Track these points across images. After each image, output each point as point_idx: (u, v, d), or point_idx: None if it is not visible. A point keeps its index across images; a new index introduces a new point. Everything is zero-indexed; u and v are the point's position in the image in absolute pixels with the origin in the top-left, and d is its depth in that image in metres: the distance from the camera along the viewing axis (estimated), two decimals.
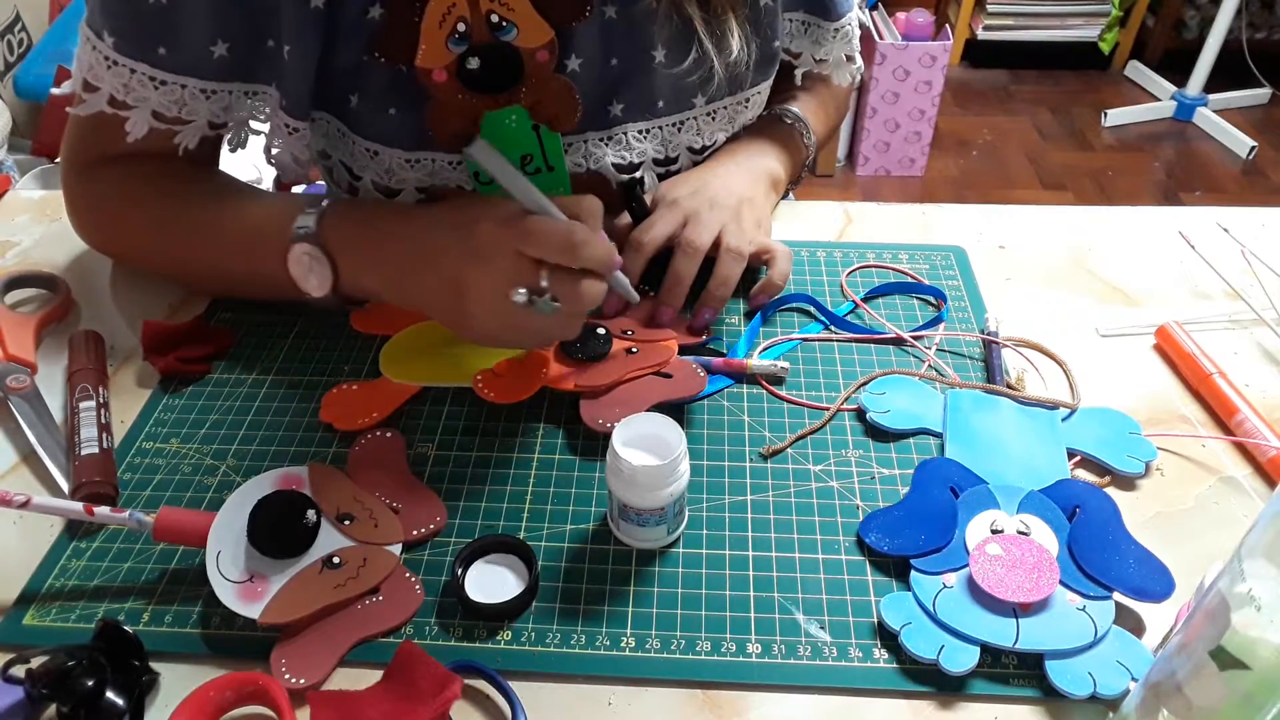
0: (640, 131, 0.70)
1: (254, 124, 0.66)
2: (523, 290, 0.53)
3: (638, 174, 0.72)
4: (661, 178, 0.73)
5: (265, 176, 1.43)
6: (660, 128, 0.70)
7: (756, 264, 0.68)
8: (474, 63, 0.61)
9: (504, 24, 0.60)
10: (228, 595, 0.48)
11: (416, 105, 0.63)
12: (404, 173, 0.67)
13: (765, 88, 0.74)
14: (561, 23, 0.61)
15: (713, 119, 0.71)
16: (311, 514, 0.51)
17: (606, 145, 0.70)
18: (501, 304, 0.53)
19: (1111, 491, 0.55)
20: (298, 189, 0.69)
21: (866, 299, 0.69)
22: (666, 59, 0.66)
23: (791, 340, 0.66)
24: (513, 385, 0.60)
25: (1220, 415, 0.60)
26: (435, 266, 0.56)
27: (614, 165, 0.70)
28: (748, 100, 0.73)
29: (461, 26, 0.59)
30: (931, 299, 0.69)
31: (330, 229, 0.59)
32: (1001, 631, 0.46)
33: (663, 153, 0.71)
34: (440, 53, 0.60)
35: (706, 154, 0.73)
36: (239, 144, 0.66)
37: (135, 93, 0.60)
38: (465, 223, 0.56)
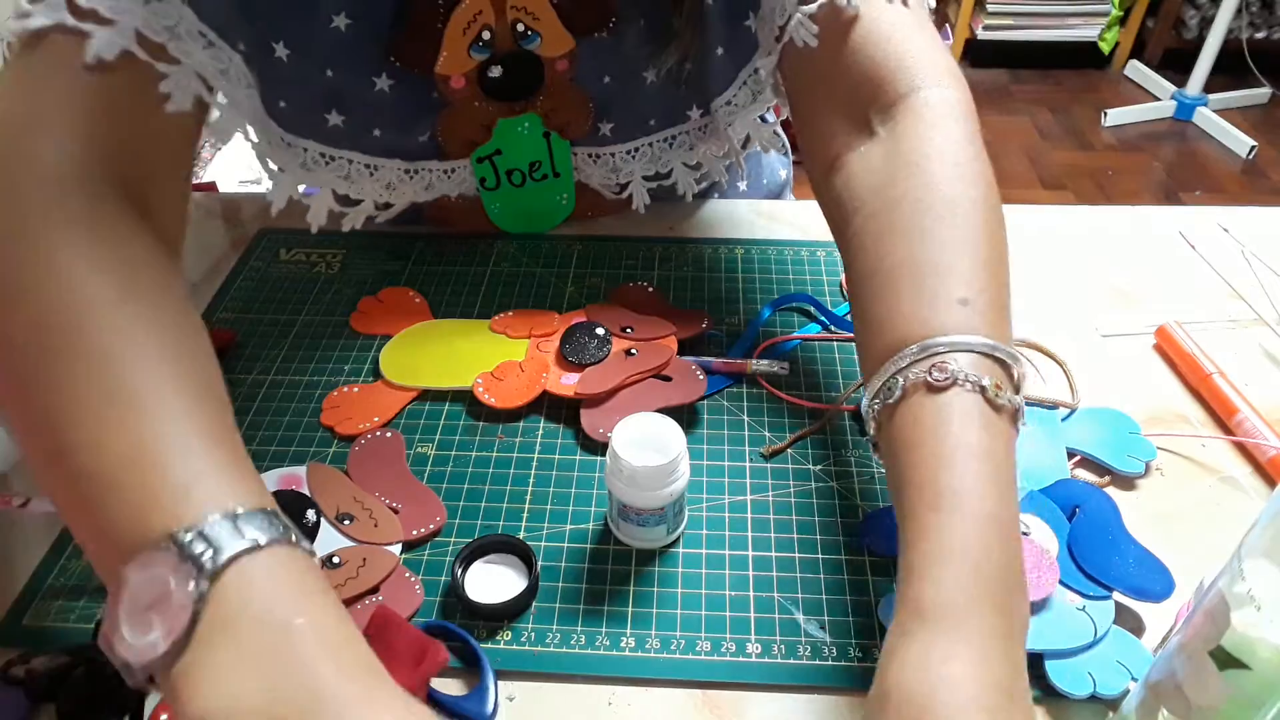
0: (629, 152, 0.70)
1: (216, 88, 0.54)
2: None
3: (625, 194, 0.72)
4: (653, 193, 0.73)
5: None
6: (651, 144, 0.70)
7: None
8: (496, 71, 0.61)
9: (529, 33, 0.60)
10: None
11: (416, 117, 0.63)
12: (403, 185, 0.67)
13: (754, 91, 0.67)
14: (583, 33, 0.61)
15: (705, 133, 0.70)
16: (311, 514, 0.51)
17: (595, 163, 0.70)
18: None
19: (1111, 491, 0.55)
20: (299, 188, 0.69)
21: None
22: (658, 76, 0.65)
23: (791, 340, 0.66)
24: (513, 390, 0.60)
25: (1220, 415, 0.60)
26: None
27: (602, 185, 0.71)
28: (729, 104, 0.67)
29: (486, 35, 0.59)
30: None
31: (223, 606, 0.33)
32: None
33: (652, 170, 0.71)
34: (461, 60, 0.60)
35: (702, 169, 0.72)
36: (215, 131, 0.58)
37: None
38: None
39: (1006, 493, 0.39)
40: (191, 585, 0.32)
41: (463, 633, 0.47)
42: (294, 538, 0.36)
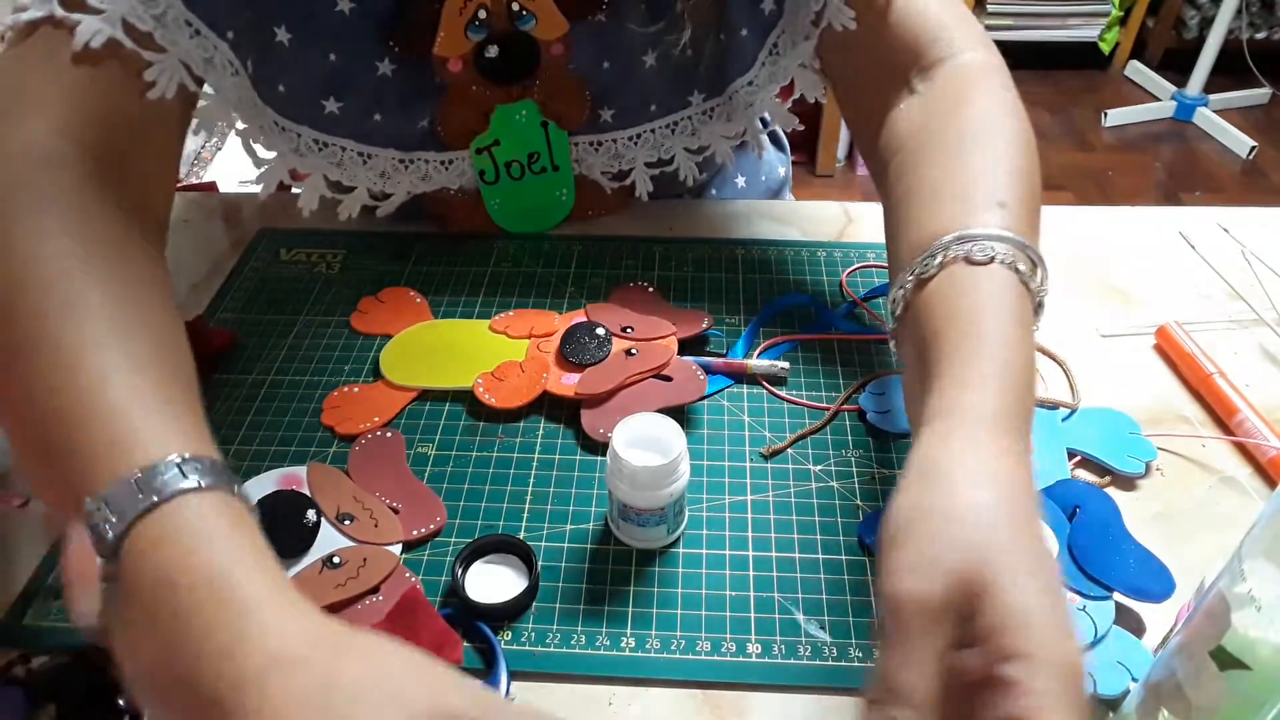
0: (631, 138, 0.70)
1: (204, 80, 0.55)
2: None
3: (628, 180, 0.72)
4: (655, 179, 0.72)
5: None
6: (653, 131, 0.70)
7: None
8: (493, 51, 0.62)
9: (524, 13, 0.61)
10: None
11: (416, 103, 0.63)
12: (398, 175, 0.67)
13: (768, 79, 0.68)
14: (577, 16, 0.62)
15: (709, 117, 0.71)
16: (311, 514, 0.51)
17: (596, 151, 0.70)
18: None
19: (1111, 491, 0.55)
20: (297, 188, 0.69)
21: (866, 299, 0.69)
22: (660, 59, 0.65)
23: (791, 340, 0.66)
24: (513, 390, 0.60)
25: (1220, 415, 0.60)
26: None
27: (604, 173, 0.70)
28: (750, 85, 0.67)
29: (482, 14, 0.60)
30: None
31: (138, 552, 0.33)
32: None
33: (655, 156, 0.71)
34: (459, 41, 0.61)
35: (704, 154, 0.73)
36: (211, 131, 0.60)
37: None
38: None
39: (1032, 355, 0.41)
40: (99, 561, 0.33)
41: (483, 627, 0.47)
42: (201, 483, 0.34)
